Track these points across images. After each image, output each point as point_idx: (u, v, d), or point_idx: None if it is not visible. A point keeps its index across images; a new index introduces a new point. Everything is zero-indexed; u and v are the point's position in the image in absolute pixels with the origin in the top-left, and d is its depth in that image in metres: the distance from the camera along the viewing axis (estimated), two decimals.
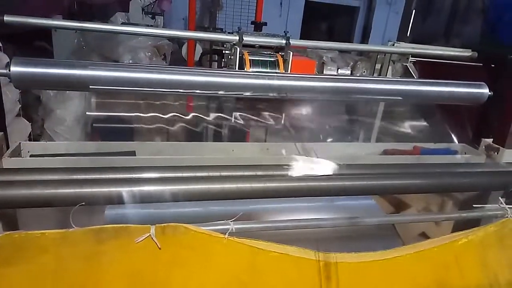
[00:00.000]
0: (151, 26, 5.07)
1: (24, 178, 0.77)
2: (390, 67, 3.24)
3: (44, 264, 0.58)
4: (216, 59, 3.56)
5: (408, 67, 2.92)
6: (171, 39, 4.64)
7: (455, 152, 1.24)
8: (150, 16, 5.68)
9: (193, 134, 1.21)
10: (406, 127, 1.50)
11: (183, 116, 1.15)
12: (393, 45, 3.17)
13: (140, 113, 1.36)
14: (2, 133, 0.91)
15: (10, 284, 0.57)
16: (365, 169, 0.86)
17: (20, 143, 0.97)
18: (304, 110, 1.19)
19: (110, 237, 0.60)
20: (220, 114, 1.12)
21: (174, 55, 4.79)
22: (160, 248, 0.62)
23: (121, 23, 4.53)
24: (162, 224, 0.63)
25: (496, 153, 1.17)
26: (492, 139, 1.22)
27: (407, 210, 1.31)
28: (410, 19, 7.57)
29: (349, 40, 7.64)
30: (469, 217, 0.83)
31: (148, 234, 0.62)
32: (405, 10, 7.90)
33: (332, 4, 7.15)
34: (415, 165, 1.03)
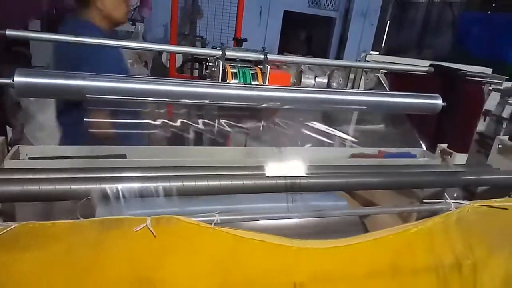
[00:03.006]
0: (132, 33, 5.11)
1: (27, 176, 0.85)
2: (363, 77, 3.43)
3: (55, 249, 0.67)
4: (197, 67, 3.66)
5: (380, 77, 3.12)
6: None
7: (414, 156, 1.39)
8: (131, 22, 5.71)
9: (175, 139, 1.30)
10: (373, 134, 1.65)
11: (166, 122, 1.24)
12: (366, 56, 3.37)
13: (121, 119, 1.43)
14: (4, 137, 0.99)
15: (27, 268, 0.66)
16: (332, 169, 0.98)
17: (18, 146, 1.05)
18: (281, 118, 1.31)
19: (113, 226, 0.70)
20: (203, 121, 1.22)
21: (155, 61, 4.86)
22: (155, 236, 0.72)
23: None
24: (157, 216, 0.73)
25: (449, 156, 1.33)
26: (446, 145, 1.38)
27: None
28: (385, 30, 7.88)
29: (326, 49, 7.85)
30: (421, 211, 0.96)
31: (145, 224, 0.71)
32: (380, 22, 8.22)
33: (310, 15, 7.37)
34: (378, 166, 1.17)
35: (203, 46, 5.12)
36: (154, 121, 1.11)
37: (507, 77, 3.92)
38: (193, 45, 5.22)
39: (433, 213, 0.95)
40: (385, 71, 3.25)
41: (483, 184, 1.06)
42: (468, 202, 0.96)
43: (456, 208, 0.94)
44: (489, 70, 3.85)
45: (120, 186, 0.80)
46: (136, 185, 0.82)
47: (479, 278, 0.92)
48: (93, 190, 0.79)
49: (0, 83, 0.93)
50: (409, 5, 8.23)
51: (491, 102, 3.93)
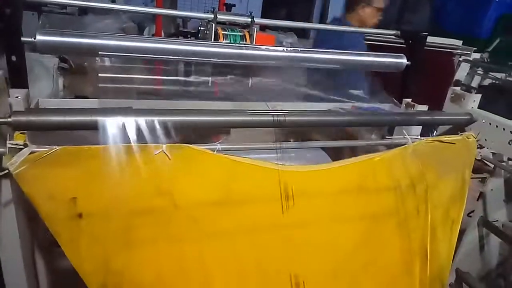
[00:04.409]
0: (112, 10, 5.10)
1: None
2: None
3: (91, 167, 0.84)
4: None
5: None
6: (134, 22, 4.73)
7: (383, 109, 1.59)
8: None
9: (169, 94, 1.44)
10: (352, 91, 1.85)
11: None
12: None
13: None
14: (27, 89, 1.13)
15: (68, 179, 0.82)
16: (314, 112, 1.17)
17: (38, 99, 1.19)
18: (269, 76, 1.49)
19: (136, 150, 0.86)
20: (196, 77, 1.39)
21: None
22: (170, 159, 0.89)
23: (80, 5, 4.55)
24: (170, 144, 0.90)
25: (412, 108, 1.53)
26: (410, 99, 1.59)
27: None
28: None
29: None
30: (384, 144, 1.17)
31: (161, 150, 0.89)
32: None
33: None
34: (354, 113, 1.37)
35: (184, 22, 5.19)
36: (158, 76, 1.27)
37: (475, 49, 4.18)
38: (174, 21, 5.27)
39: (394, 147, 1.15)
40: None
41: (434, 123, 1.27)
42: (422, 138, 1.17)
43: (412, 142, 1.15)
44: (459, 42, 4.10)
45: (128, 118, 0.92)
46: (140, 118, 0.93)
47: (430, 196, 1.14)
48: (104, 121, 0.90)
49: (23, 41, 1.07)
50: None
51: (461, 73, 4.19)
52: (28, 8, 3.85)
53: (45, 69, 3.47)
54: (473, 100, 1.30)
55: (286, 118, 1.02)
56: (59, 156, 0.82)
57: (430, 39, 3.55)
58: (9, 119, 0.81)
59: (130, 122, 0.91)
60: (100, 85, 1.22)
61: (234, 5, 2.21)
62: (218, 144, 0.96)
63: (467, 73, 4.19)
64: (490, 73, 4.46)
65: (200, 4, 5.00)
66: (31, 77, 3.08)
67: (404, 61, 1.51)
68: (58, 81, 3.81)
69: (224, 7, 2.74)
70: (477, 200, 1.45)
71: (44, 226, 0.83)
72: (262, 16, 6.98)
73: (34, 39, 1.08)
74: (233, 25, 1.45)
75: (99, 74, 1.22)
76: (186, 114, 0.97)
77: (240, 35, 1.39)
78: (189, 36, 3.56)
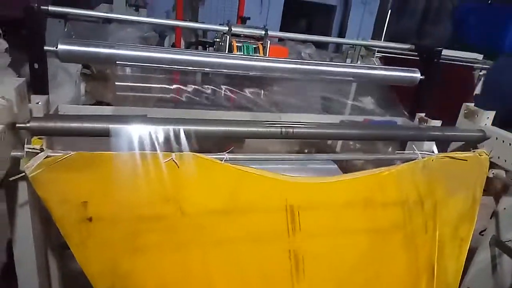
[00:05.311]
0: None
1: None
2: (359, 61, 3.63)
3: (103, 172, 0.87)
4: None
5: (374, 60, 3.33)
6: (155, 31, 4.86)
7: (395, 123, 1.58)
8: (134, 8, 5.85)
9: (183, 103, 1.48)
10: (365, 104, 1.85)
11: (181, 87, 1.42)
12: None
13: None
14: (48, 96, 1.18)
15: (80, 183, 0.86)
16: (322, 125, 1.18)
17: (58, 105, 1.24)
18: (283, 88, 1.51)
19: (147, 158, 0.89)
20: (210, 88, 1.42)
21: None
22: (178, 167, 0.92)
23: None
24: (180, 153, 0.93)
25: (425, 123, 1.52)
26: (424, 114, 1.57)
27: None
28: (385, 19, 8.00)
29: None
30: (394, 159, 1.17)
31: (171, 158, 0.91)
32: (380, 11, 8.33)
33: (310, 2, 7.48)
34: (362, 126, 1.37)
35: (205, 32, 5.30)
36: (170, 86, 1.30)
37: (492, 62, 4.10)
38: (195, 31, 5.39)
39: (405, 162, 1.15)
40: (380, 55, 3.45)
41: (446, 139, 1.26)
42: (433, 154, 1.16)
43: (423, 157, 1.14)
44: (480, 56, 4.03)
45: (141, 126, 0.94)
46: (151, 126, 0.95)
47: (439, 213, 1.12)
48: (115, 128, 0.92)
49: (46, 50, 1.13)
50: None
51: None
52: (55, 15, 3.99)
53: (69, 75, 3.59)
54: (487, 117, 1.28)
55: (294, 130, 1.04)
56: (73, 160, 0.85)
57: (450, 52, 3.50)
58: (27, 125, 0.86)
59: (143, 130, 0.94)
60: (117, 93, 1.26)
61: (249, 18, 2.26)
62: (226, 154, 0.98)
63: None
64: None
65: (219, 15, 5.10)
66: (54, 83, 3.21)
67: (418, 75, 1.51)
68: (80, 87, 3.94)
69: (240, 20, 2.79)
70: (490, 218, 1.41)
71: (56, 228, 0.87)
72: (282, 27, 7.06)
73: (56, 48, 1.13)
74: (248, 37, 1.48)
75: (116, 83, 1.26)
76: (195, 124, 0.99)
77: (254, 47, 1.42)
78: (207, 45, 3.64)
